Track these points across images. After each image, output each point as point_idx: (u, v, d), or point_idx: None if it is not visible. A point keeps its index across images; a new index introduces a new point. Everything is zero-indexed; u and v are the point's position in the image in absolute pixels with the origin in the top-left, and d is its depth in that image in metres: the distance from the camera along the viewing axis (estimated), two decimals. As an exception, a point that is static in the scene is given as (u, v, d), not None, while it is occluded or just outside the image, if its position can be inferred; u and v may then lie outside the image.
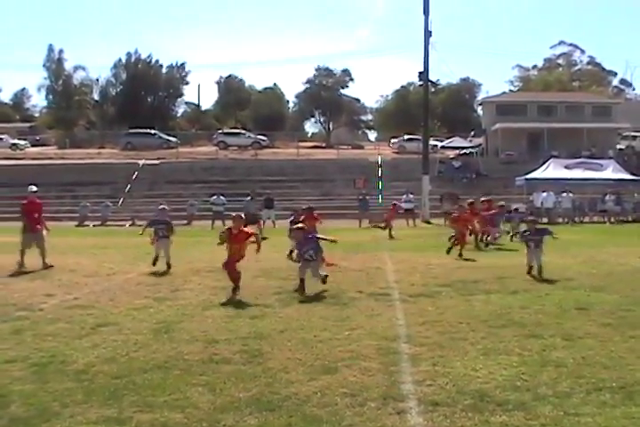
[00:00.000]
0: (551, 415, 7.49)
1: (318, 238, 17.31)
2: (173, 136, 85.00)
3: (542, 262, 18.53)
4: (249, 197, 40.75)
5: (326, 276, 16.48)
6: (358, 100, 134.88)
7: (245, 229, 16.68)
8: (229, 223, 16.70)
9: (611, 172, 54.32)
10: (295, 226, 18.70)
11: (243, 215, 17.07)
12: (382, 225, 37.03)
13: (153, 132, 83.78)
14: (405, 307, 14.19)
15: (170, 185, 61.16)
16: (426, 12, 53.51)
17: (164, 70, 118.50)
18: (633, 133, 78.90)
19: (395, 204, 41.25)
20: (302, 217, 24.70)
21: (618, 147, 74.37)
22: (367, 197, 50.89)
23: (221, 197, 49.54)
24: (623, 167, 56.32)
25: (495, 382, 8.70)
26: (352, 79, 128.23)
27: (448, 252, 24.26)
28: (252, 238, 16.57)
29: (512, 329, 11.83)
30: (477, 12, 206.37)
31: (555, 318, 12.82)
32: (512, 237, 28.65)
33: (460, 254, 23.87)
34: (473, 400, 7.99)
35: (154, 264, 20.18)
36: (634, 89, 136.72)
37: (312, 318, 12.99)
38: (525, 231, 20.00)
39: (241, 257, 16.21)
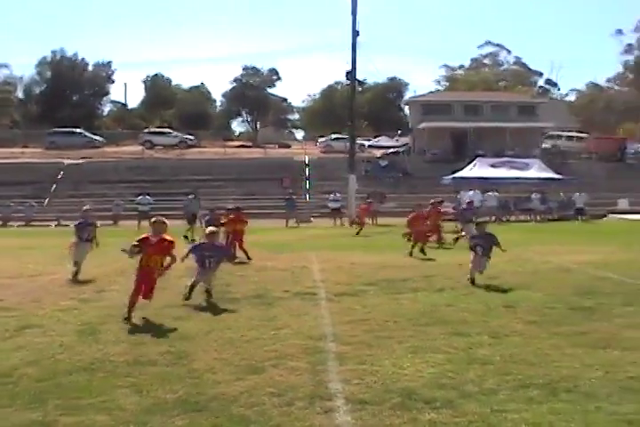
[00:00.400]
0: (478, 412, 7.59)
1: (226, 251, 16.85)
2: (99, 135, 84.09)
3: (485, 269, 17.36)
4: (192, 196, 40.20)
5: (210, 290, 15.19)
6: (285, 100, 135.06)
7: (167, 237, 13.47)
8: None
9: (535, 171, 55.11)
10: (209, 230, 16.48)
11: (164, 220, 13.83)
12: (358, 222, 38.12)
13: (78, 131, 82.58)
14: (332, 306, 14.26)
15: (95, 185, 60.37)
16: (354, 11, 53.64)
17: (89, 69, 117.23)
18: (557, 133, 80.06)
19: (370, 202, 42.04)
20: (229, 217, 24.65)
21: (543, 146, 75.36)
22: (294, 197, 50.86)
23: (147, 197, 49.07)
24: (548, 166, 57.14)
25: (422, 380, 8.78)
26: (279, 78, 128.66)
27: (417, 252, 24.35)
28: (170, 252, 13.47)
29: (438, 327, 11.95)
30: (405, 13, 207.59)
31: (481, 316, 12.99)
32: (457, 239, 27.96)
33: (412, 253, 24.05)
34: (400, 398, 8.06)
35: (76, 275, 18.54)
36: (559, 89, 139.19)
37: (238, 318, 12.98)
38: (475, 235, 18.15)
39: (157, 275, 13.55)
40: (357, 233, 36.29)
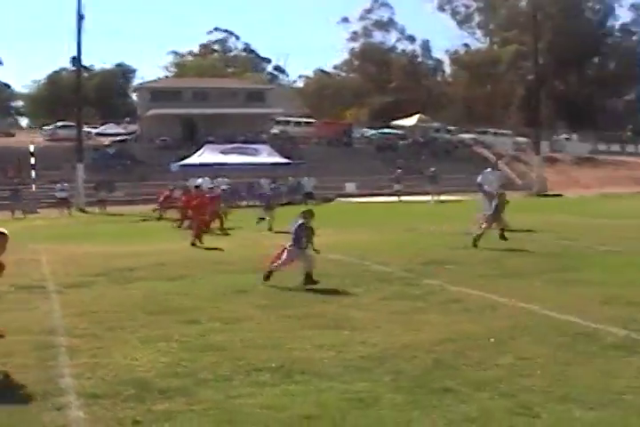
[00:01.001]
0: (213, 399, 7.59)
1: None
2: None
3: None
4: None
5: None
6: (8, 86, 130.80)
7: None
8: None
9: (265, 156, 56.26)
10: None
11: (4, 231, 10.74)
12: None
13: None
14: (61, 298, 13.93)
15: None
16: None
17: None
18: (286, 118, 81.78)
19: (173, 189, 39.79)
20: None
21: (272, 132, 76.64)
22: (19, 187, 49.45)
23: None
24: (277, 151, 58.35)
25: (156, 370, 8.70)
26: (1, 63, 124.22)
27: (194, 244, 23.35)
28: None
29: (171, 316, 11.90)
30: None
31: (213, 303, 13.05)
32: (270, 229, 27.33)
33: (201, 242, 23.42)
34: (134, 390, 7.93)
35: None
36: (287, 75, 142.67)
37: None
38: (302, 224, 15.02)
39: None
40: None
